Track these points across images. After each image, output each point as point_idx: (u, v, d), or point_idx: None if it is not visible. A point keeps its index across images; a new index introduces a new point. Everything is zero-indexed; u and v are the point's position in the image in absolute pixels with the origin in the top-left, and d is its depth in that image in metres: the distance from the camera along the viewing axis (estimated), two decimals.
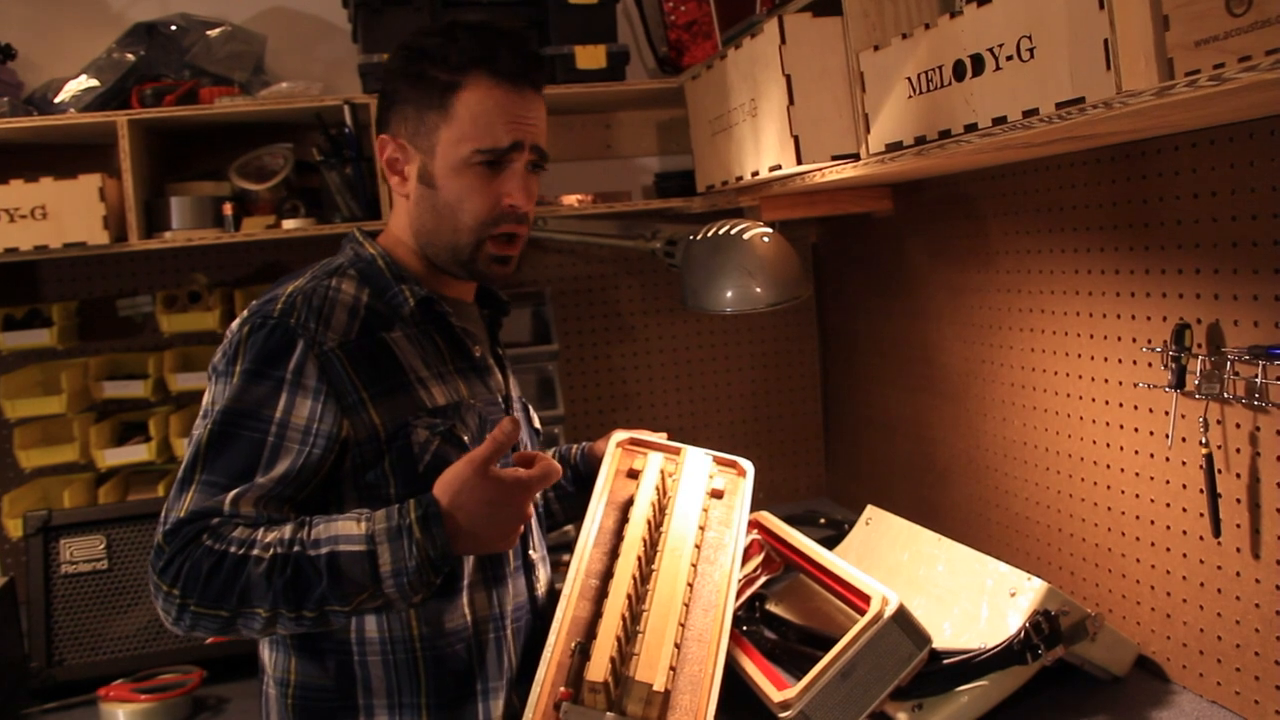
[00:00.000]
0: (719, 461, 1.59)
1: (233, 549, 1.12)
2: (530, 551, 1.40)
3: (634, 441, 1.59)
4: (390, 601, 1.15)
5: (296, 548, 1.13)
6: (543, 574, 1.43)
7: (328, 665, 1.25)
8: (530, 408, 1.55)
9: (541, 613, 1.38)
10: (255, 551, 1.12)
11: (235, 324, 1.27)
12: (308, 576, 1.12)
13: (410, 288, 1.32)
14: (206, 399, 1.24)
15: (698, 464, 1.55)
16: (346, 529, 1.14)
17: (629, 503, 1.46)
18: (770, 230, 1.98)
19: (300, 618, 1.13)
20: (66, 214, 1.93)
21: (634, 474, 1.52)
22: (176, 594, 1.12)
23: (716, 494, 1.52)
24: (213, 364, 1.26)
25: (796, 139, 1.65)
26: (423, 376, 1.29)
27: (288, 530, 1.14)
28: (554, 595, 1.37)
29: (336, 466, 1.23)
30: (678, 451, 1.58)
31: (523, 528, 1.23)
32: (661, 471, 1.52)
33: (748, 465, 1.59)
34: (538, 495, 1.33)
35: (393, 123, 1.34)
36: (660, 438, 1.61)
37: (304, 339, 1.22)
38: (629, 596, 1.29)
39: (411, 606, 1.21)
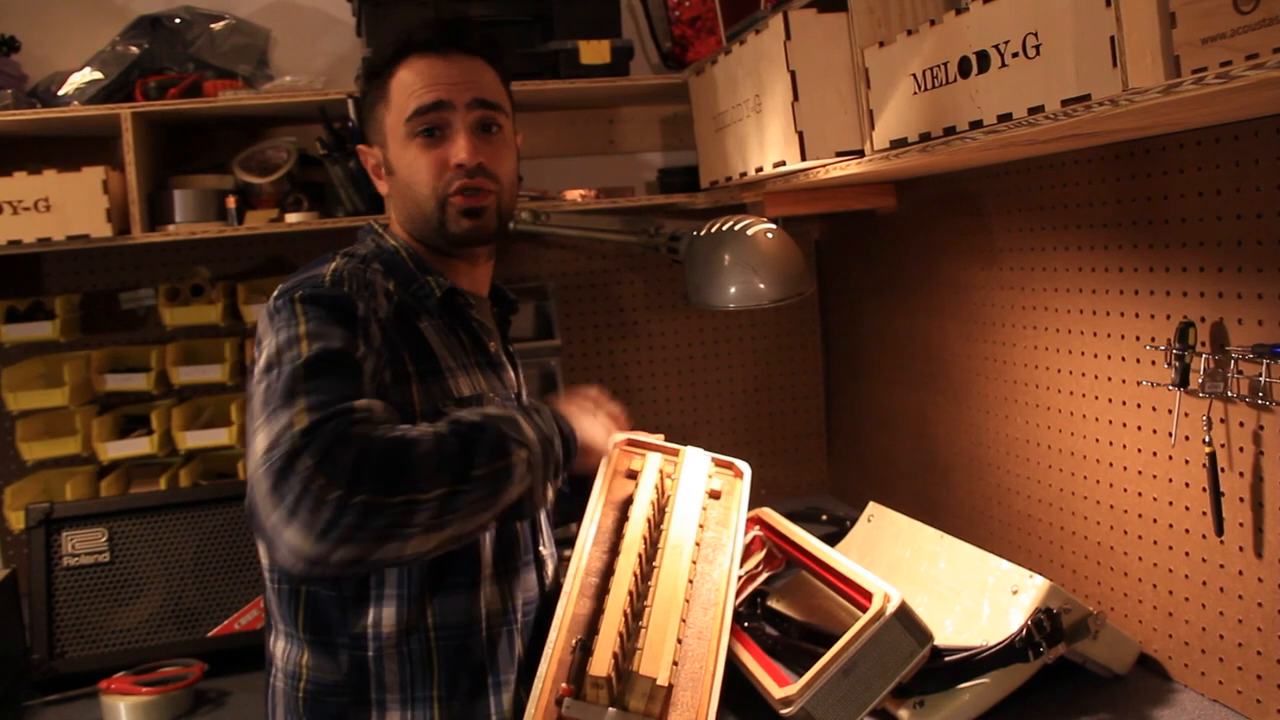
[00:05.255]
0: (716, 463, 1.59)
1: (397, 433, 1.07)
2: (540, 547, 1.40)
3: (631, 442, 1.59)
4: (543, 470, 1.20)
5: (451, 424, 1.13)
6: (551, 569, 1.44)
7: (340, 660, 1.24)
8: None
9: (549, 605, 1.39)
10: (417, 434, 1.08)
11: (271, 304, 1.20)
12: (472, 438, 1.12)
13: (436, 279, 1.33)
14: (268, 353, 1.14)
15: (697, 464, 1.55)
16: (484, 408, 1.23)
17: (628, 502, 1.46)
18: (774, 226, 1.98)
19: (476, 483, 1.09)
20: (70, 206, 1.93)
21: (632, 474, 1.52)
22: (338, 490, 0.99)
23: (714, 494, 1.53)
24: (258, 337, 1.20)
25: (801, 135, 1.65)
26: (450, 366, 1.30)
27: (434, 421, 1.15)
28: (557, 588, 1.37)
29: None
30: (676, 452, 1.58)
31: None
32: (660, 471, 1.52)
33: (745, 467, 1.60)
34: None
35: (365, 132, 1.41)
36: (658, 439, 1.61)
37: (362, 303, 1.21)
38: (631, 593, 1.29)
39: (541, 502, 1.24)
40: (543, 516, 1.44)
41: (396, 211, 1.38)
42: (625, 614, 1.26)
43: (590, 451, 1.38)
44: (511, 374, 1.43)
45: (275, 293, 1.22)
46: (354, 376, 1.11)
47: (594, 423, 1.40)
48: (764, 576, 1.66)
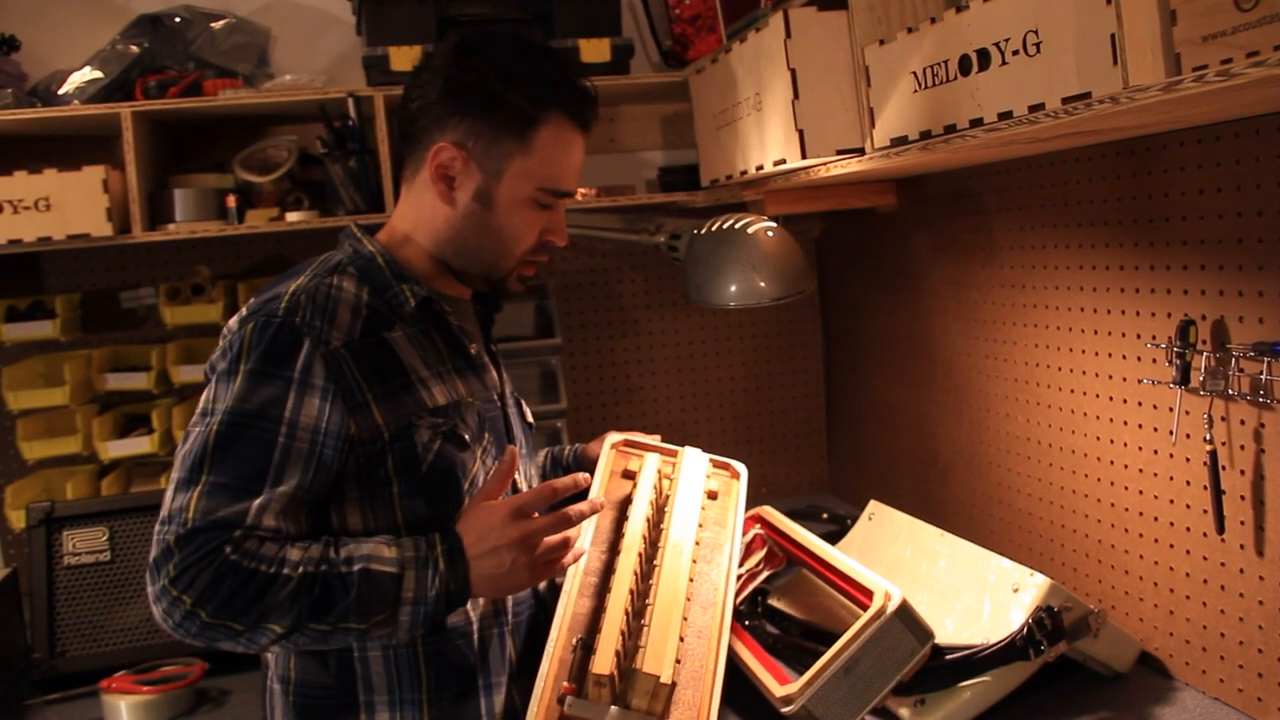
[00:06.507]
0: (713, 464, 1.59)
1: (263, 567, 1.11)
2: None
3: (628, 443, 1.59)
4: (397, 630, 1.17)
5: (325, 566, 1.14)
6: None
7: (328, 662, 1.24)
8: (523, 403, 1.55)
9: (545, 606, 1.39)
10: (285, 570, 1.12)
11: (234, 322, 1.24)
12: (334, 593, 1.13)
13: (411, 287, 1.31)
14: (206, 398, 1.21)
15: (695, 464, 1.55)
16: (378, 551, 1.17)
17: (626, 502, 1.46)
18: (774, 225, 1.98)
19: (317, 631, 1.14)
20: (70, 205, 1.93)
21: (629, 475, 1.52)
22: (188, 601, 1.10)
23: (711, 495, 1.53)
24: (211, 362, 1.24)
25: (801, 133, 1.65)
26: (423, 376, 1.28)
27: (315, 549, 1.15)
28: (554, 588, 1.37)
29: (340, 466, 1.22)
30: (674, 453, 1.58)
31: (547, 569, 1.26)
32: (658, 472, 1.52)
33: (741, 468, 1.60)
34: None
35: (459, 133, 1.30)
36: (654, 439, 1.61)
37: (310, 338, 1.20)
38: (632, 591, 1.29)
39: (410, 639, 1.23)
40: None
41: (453, 229, 1.35)
42: (627, 612, 1.26)
43: (498, 592, 1.26)
44: (494, 375, 1.42)
45: (238, 314, 1.26)
46: (266, 445, 1.16)
47: (506, 575, 1.21)
48: (765, 575, 1.66)
